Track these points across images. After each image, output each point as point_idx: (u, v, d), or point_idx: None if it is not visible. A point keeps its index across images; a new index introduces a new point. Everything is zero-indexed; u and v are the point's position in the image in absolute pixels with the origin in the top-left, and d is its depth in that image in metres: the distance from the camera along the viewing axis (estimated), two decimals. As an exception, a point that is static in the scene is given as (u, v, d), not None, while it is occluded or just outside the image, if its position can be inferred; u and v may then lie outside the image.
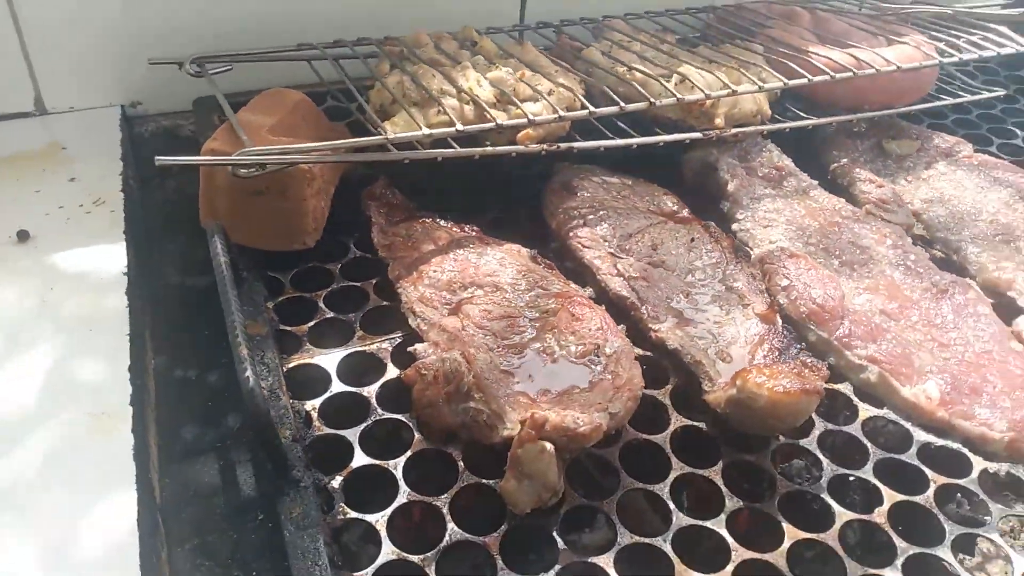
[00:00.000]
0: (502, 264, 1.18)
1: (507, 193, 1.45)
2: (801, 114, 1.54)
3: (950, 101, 1.66)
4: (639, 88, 1.34)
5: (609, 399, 0.95)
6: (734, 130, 1.43)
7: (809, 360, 1.01)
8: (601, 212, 1.32)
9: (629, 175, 1.45)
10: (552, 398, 0.97)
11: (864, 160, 1.58)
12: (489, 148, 1.23)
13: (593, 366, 1.02)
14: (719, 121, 1.41)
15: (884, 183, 1.48)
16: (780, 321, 1.15)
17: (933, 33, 1.70)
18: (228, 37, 1.53)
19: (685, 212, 1.37)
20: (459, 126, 1.18)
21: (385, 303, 1.18)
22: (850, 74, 1.45)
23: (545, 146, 1.27)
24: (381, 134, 1.18)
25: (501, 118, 1.25)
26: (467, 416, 0.93)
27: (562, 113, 1.25)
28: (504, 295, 1.13)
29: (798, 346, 1.11)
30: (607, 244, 1.26)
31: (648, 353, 1.13)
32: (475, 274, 1.16)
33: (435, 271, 1.16)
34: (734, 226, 1.39)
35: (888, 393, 1.10)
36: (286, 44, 1.50)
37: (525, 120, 1.22)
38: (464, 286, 1.14)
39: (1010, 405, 1.06)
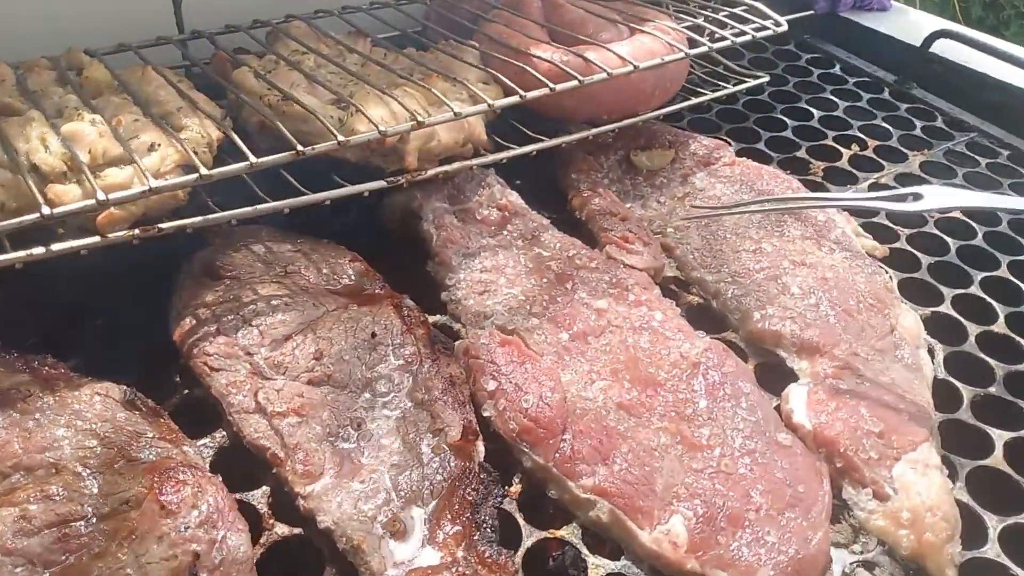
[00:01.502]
0: (72, 425, 0.80)
1: (137, 281, 1.05)
2: (530, 134, 1.23)
3: (707, 97, 1.40)
4: (284, 129, 0.98)
5: None
6: (432, 171, 1.10)
7: (489, 554, 0.70)
8: (250, 306, 0.96)
9: (309, 236, 1.10)
10: None
11: (611, 180, 1.30)
12: (40, 250, 0.83)
13: (178, 599, 0.67)
14: (411, 160, 1.08)
15: (629, 213, 1.20)
16: (481, 453, 0.84)
17: (687, 17, 1.43)
18: None
19: (376, 287, 1.03)
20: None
21: None
22: (575, 83, 1.15)
23: (137, 231, 0.89)
24: None
25: (69, 195, 0.86)
26: None
27: (155, 184, 0.87)
28: (65, 481, 0.75)
29: (499, 494, 0.81)
30: (250, 358, 0.91)
31: (299, 531, 0.80)
32: (25, 449, 0.78)
33: (-44, 454, 0.76)
34: (444, 295, 1.07)
35: (625, 537, 0.82)
36: None
37: (93, 201, 0.83)
38: (2, 474, 0.76)
39: (776, 539, 0.80)
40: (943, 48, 1.60)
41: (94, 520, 0.73)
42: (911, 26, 1.76)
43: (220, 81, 1.15)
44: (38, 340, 0.96)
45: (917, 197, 1.05)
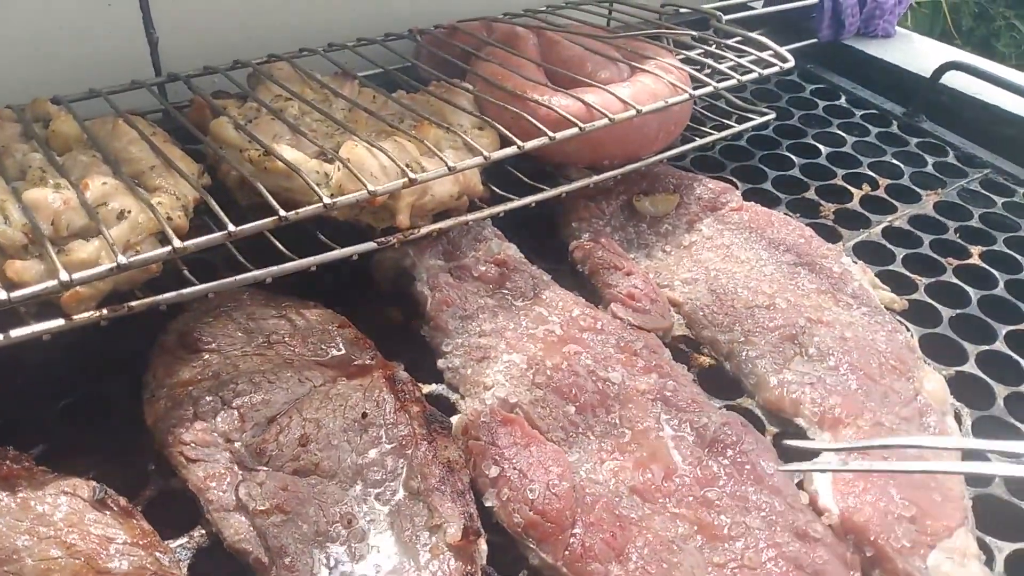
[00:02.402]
0: (34, 532, 0.73)
1: (117, 348, 0.97)
2: (528, 181, 1.17)
3: (713, 137, 1.34)
4: (264, 190, 0.91)
5: None
6: (426, 228, 1.03)
7: None
8: (230, 385, 0.88)
9: (295, 299, 1.02)
10: None
11: (613, 227, 1.23)
12: (-3, 338, 0.75)
13: None
14: (403, 218, 1.01)
15: (634, 266, 1.13)
16: (483, 554, 0.77)
17: (685, 52, 1.37)
18: None
19: (367, 357, 0.96)
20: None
21: None
22: (575, 131, 1.08)
23: (105, 312, 0.81)
24: None
25: (30, 272, 0.79)
26: None
27: (123, 260, 0.79)
28: (23, 601, 0.68)
29: None
30: (231, 446, 0.83)
31: (283, 645, 0.72)
32: (-21, 562, 0.70)
33: (-99, 573, 0.69)
34: (440, 363, 1.00)
35: (643, 646, 0.75)
36: None
37: (56, 282, 0.75)
38: (-48, 595, 0.68)
39: (807, 647, 0.74)
40: (953, 79, 1.55)
41: (57, 647, 0.65)
42: (918, 55, 1.70)
43: (197, 134, 1.07)
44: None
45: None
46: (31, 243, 0.82)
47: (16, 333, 0.76)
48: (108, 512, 0.76)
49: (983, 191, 1.41)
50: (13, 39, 1.16)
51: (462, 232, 1.11)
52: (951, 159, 1.49)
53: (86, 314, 0.80)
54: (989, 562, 0.84)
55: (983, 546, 0.85)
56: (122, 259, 0.78)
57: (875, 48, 1.74)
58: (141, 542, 0.74)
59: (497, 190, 1.14)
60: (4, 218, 0.83)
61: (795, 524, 0.83)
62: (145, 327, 0.94)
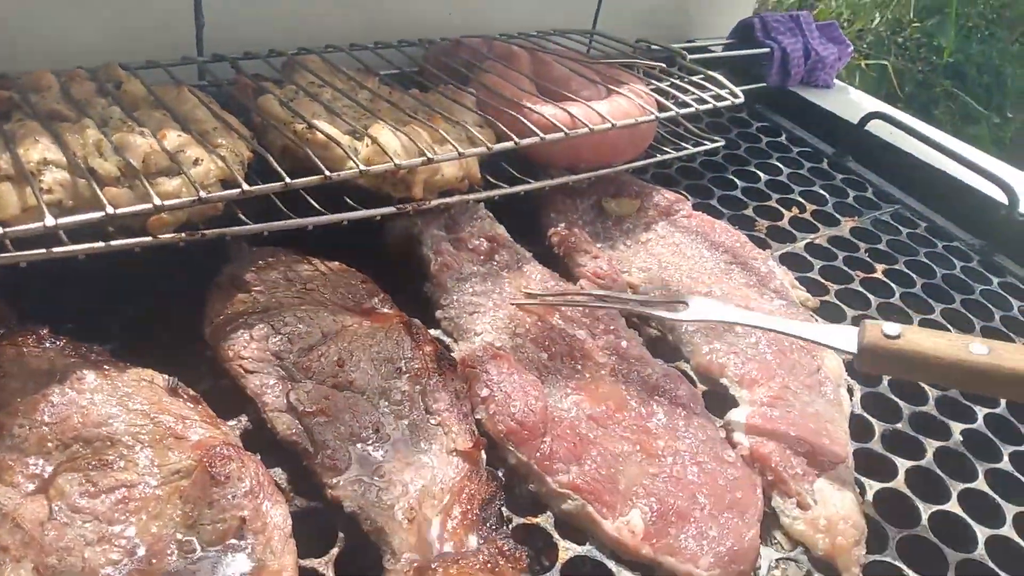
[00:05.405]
0: (123, 404, 0.91)
1: (167, 279, 1.16)
2: (516, 174, 1.39)
3: (671, 155, 1.59)
4: (312, 155, 1.12)
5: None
6: (435, 202, 1.25)
7: (507, 547, 0.84)
8: (278, 317, 1.07)
9: (325, 257, 1.21)
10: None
11: (584, 222, 1.46)
12: (100, 244, 0.94)
13: (233, 554, 0.79)
14: (417, 191, 1.22)
15: (600, 252, 1.36)
16: (484, 459, 0.98)
17: (654, 82, 1.62)
18: None
19: (386, 307, 1.16)
20: (48, 220, 0.89)
21: (-53, 470, 0.86)
22: (561, 135, 1.31)
23: (184, 235, 1.01)
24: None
25: (123, 198, 0.98)
26: None
27: (204, 195, 0.99)
28: (119, 453, 0.86)
29: (503, 497, 0.94)
30: (280, 362, 1.02)
31: (315, 504, 0.92)
32: (81, 423, 0.88)
33: (22, 425, 0.86)
34: (438, 313, 1.21)
35: (591, 526, 0.97)
36: None
37: (151, 206, 0.95)
38: (63, 444, 0.86)
39: (716, 533, 0.96)
40: (877, 127, 1.83)
41: (149, 486, 0.84)
42: (850, 104, 1.99)
43: (246, 104, 1.27)
44: (73, 326, 1.06)
45: (682, 306, 1.17)
46: (123, 176, 1.01)
47: (115, 243, 0.95)
48: (180, 399, 0.95)
49: (892, 222, 1.68)
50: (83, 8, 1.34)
51: (461, 210, 1.33)
52: (869, 194, 1.76)
53: (168, 235, 0.99)
54: (862, 494, 1.08)
55: (859, 483, 1.09)
56: (203, 193, 0.98)
57: (815, 96, 2.03)
58: (208, 420, 0.93)
59: (492, 179, 1.36)
60: (100, 153, 1.02)
61: (714, 451, 1.06)
62: (187, 264, 1.13)
